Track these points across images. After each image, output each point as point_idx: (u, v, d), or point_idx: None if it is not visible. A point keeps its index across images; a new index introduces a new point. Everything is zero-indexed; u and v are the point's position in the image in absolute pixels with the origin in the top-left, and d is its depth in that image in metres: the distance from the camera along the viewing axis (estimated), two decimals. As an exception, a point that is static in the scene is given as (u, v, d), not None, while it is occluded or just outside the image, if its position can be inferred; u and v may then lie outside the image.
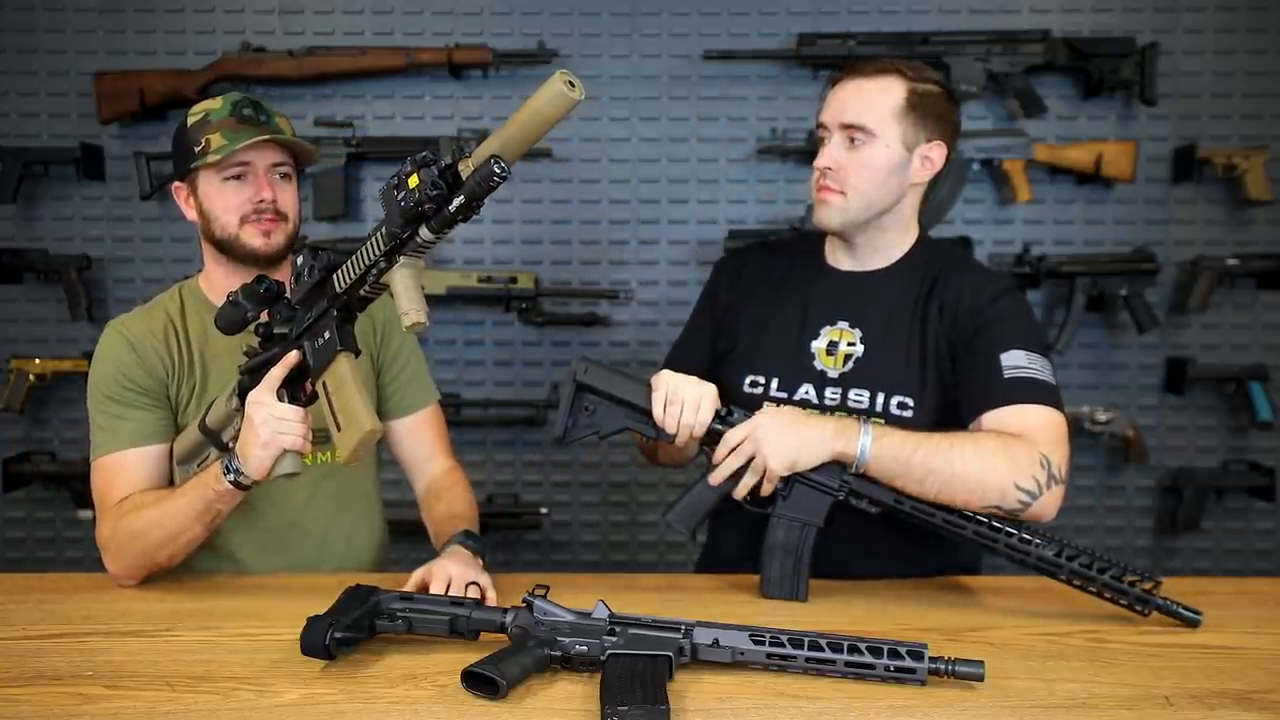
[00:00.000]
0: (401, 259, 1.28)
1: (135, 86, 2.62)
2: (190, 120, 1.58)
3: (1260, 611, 1.44)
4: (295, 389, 1.44)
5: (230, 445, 1.48)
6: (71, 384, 2.73)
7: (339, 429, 1.34)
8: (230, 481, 1.42)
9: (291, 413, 1.39)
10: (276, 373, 1.41)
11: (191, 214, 1.62)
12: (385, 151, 2.65)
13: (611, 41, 2.72)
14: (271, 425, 1.38)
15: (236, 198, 1.57)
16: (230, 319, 1.44)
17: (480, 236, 2.76)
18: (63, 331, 2.76)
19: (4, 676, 1.19)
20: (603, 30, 2.72)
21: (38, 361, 2.70)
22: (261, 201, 1.57)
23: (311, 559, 1.69)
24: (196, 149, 1.55)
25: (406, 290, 1.28)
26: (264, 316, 1.45)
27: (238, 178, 1.57)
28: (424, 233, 1.23)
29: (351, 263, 1.34)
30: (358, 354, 1.39)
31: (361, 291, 1.35)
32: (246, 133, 1.55)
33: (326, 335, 1.38)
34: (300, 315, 1.43)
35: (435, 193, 1.18)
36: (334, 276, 1.37)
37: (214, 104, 1.59)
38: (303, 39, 2.68)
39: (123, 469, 1.57)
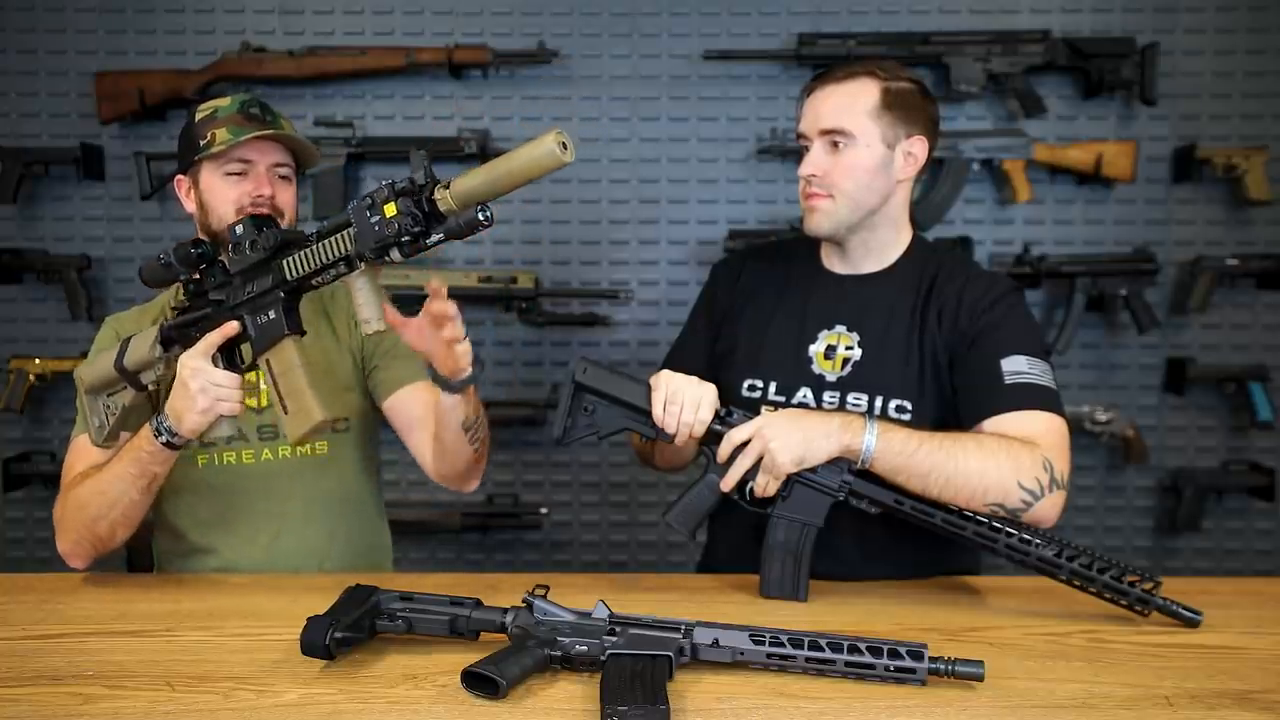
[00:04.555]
0: (362, 264, 1.31)
1: (135, 86, 2.62)
2: (198, 116, 1.61)
3: (1260, 611, 1.44)
4: (231, 354, 1.45)
5: (149, 388, 1.50)
6: (71, 384, 2.71)
7: (286, 412, 1.38)
8: (162, 443, 1.45)
9: (227, 379, 1.41)
10: (214, 339, 1.42)
11: (191, 207, 1.65)
12: (385, 151, 2.65)
13: (611, 41, 2.72)
14: (210, 393, 1.40)
15: (235, 191, 1.58)
16: (158, 277, 1.47)
17: (480, 237, 2.73)
18: (63, 331, 2.76)
19: (4, 676, 1.19)
20: (603, 30, 2.72)
21: (38, 361, 2.70)
22: (260, 196, 1.58)
23: (293, 555, 1.68)
24: (201, 142, 1.58)
25: (368, 300, 1.33)
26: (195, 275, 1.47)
27: (239, 174, 1.59)
28: (393, 255, 1.25)
29: (307, 255, 1.34)
30: (303, 334, 1.42)
31: (314, 282, 1.37)
32: (252, 129, 1.58)
33: (272, 314, 1.40)
34: (238, 284, 1.43)
35: (416, 229, 1.21)
36: (285, 263, 1.37)
37: (223, 102, 1.62)
38: (303, 39, 2.68)
39: (88, 447, 1.59)
